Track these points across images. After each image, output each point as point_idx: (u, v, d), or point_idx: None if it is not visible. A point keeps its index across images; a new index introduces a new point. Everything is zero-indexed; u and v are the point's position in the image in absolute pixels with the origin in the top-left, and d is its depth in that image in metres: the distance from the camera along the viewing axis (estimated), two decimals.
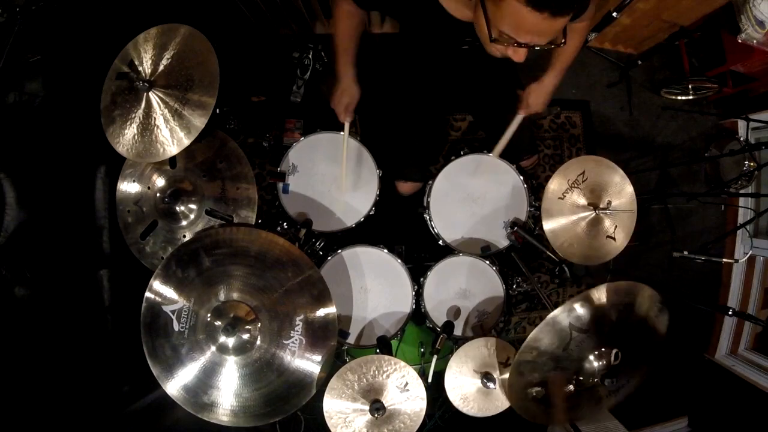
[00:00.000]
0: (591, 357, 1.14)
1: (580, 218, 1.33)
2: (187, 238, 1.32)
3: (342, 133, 1.49)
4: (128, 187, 1.36)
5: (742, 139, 2.24)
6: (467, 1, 0.99)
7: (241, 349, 1.07)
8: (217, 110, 1.25)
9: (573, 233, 1.33)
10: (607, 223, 1.34)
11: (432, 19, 1.10)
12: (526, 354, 1.10)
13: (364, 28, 1.37)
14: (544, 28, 0.83)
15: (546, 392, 1.16)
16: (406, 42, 1.54)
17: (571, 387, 1.16)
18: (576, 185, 1.32)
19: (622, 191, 1.35)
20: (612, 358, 1.11)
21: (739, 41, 1.91)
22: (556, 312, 1.06)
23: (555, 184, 1.32)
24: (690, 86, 2.24)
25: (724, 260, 1.99)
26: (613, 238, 1.35)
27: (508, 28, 0.86)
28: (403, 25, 1.32)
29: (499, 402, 1.28)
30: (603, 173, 1.34)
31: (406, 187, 1.67)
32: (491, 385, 1.25)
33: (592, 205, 1.32)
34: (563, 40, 0.90)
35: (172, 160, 1.32)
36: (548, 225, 1.31)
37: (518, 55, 0.93)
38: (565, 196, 1.32)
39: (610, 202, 1.33)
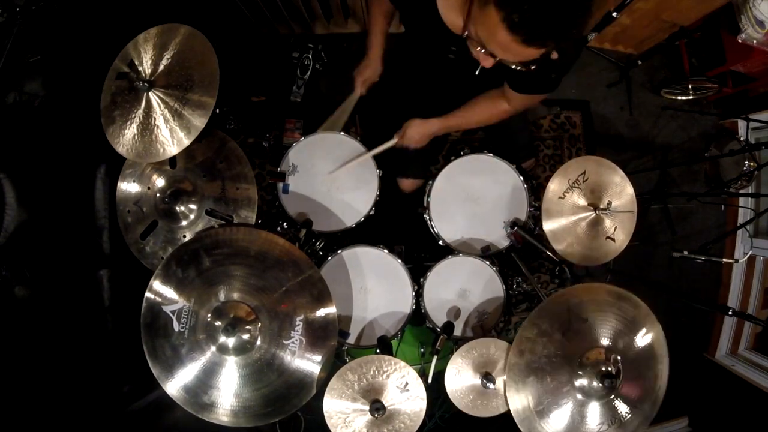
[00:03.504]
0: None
1: (580, 218, 1.32)
2: (187, 238, 1.32)
3: (341, 133, 1.52)
4: (128, 187, 1.36)
5: (742, 139, 2.24)
6: (462, 5, 0.99)
7: (241, 349, 1.06)
8: (217, 110, 1.24)
9: (573, 233, 1.33)
10: (607, 224, 1.34)
11: (426, 22, 1.11)
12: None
13: (393, 16, 1.40)
14: (513, 49, 0.84)
15: None
16: (409, 41, 1.54)
17: None
18: (576, 185, 1.32)
19: (622, 192, 1.34)
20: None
21: (739, 41, 1.91)
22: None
23: (555, 184, 1.32)
24: (690, 86, 2.24)
25: (724, 260, 1.99)
26: (613, 239, 1.34)
27: (482, 33, 0.88)
28: (405, 24, 1.32)
29: (499, 402, 1.28)
30: (603, 173, 1.34)
31: (407, 184, 1.67)
32: (491, 385, 1.24)
33: (592, 206, 1.31)
34: (533, 67, 0.90)
35: (172, 160, 1.32)
36: (548, 225, 1.31)
37: (485, 61, 0.94)
38: (565, 196, 1.32)
39: (610, 203, 1.33)
